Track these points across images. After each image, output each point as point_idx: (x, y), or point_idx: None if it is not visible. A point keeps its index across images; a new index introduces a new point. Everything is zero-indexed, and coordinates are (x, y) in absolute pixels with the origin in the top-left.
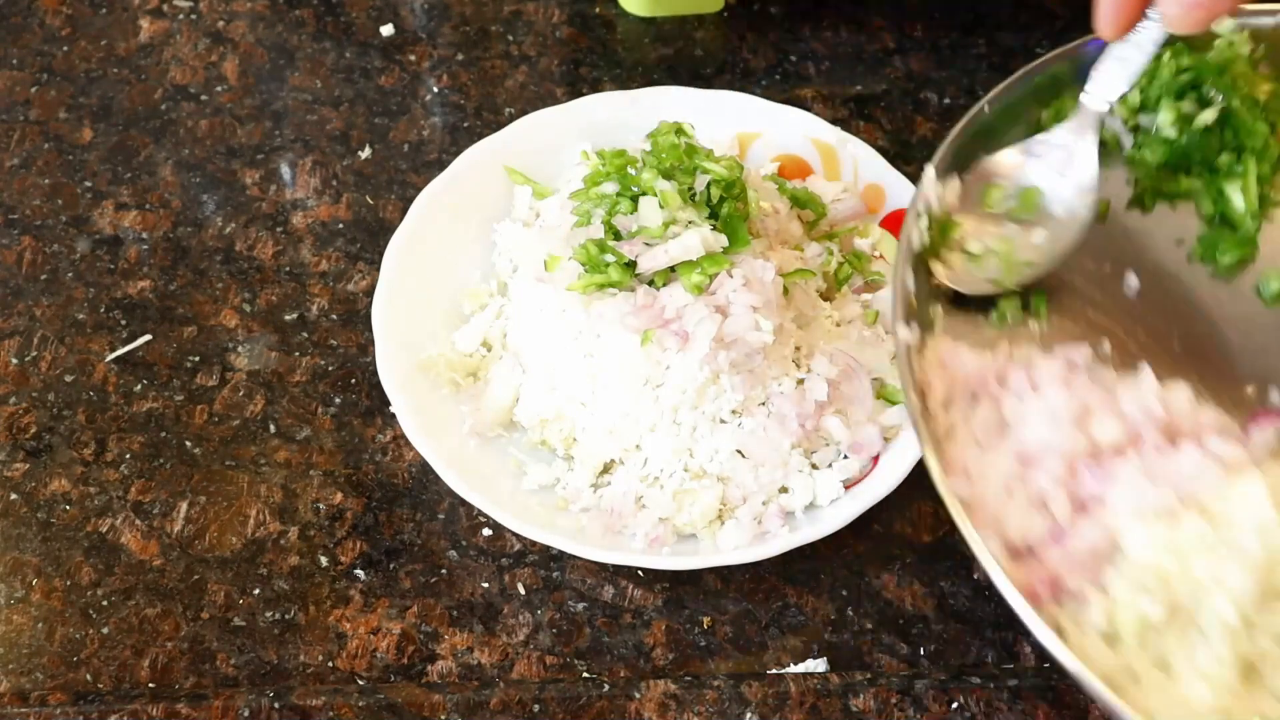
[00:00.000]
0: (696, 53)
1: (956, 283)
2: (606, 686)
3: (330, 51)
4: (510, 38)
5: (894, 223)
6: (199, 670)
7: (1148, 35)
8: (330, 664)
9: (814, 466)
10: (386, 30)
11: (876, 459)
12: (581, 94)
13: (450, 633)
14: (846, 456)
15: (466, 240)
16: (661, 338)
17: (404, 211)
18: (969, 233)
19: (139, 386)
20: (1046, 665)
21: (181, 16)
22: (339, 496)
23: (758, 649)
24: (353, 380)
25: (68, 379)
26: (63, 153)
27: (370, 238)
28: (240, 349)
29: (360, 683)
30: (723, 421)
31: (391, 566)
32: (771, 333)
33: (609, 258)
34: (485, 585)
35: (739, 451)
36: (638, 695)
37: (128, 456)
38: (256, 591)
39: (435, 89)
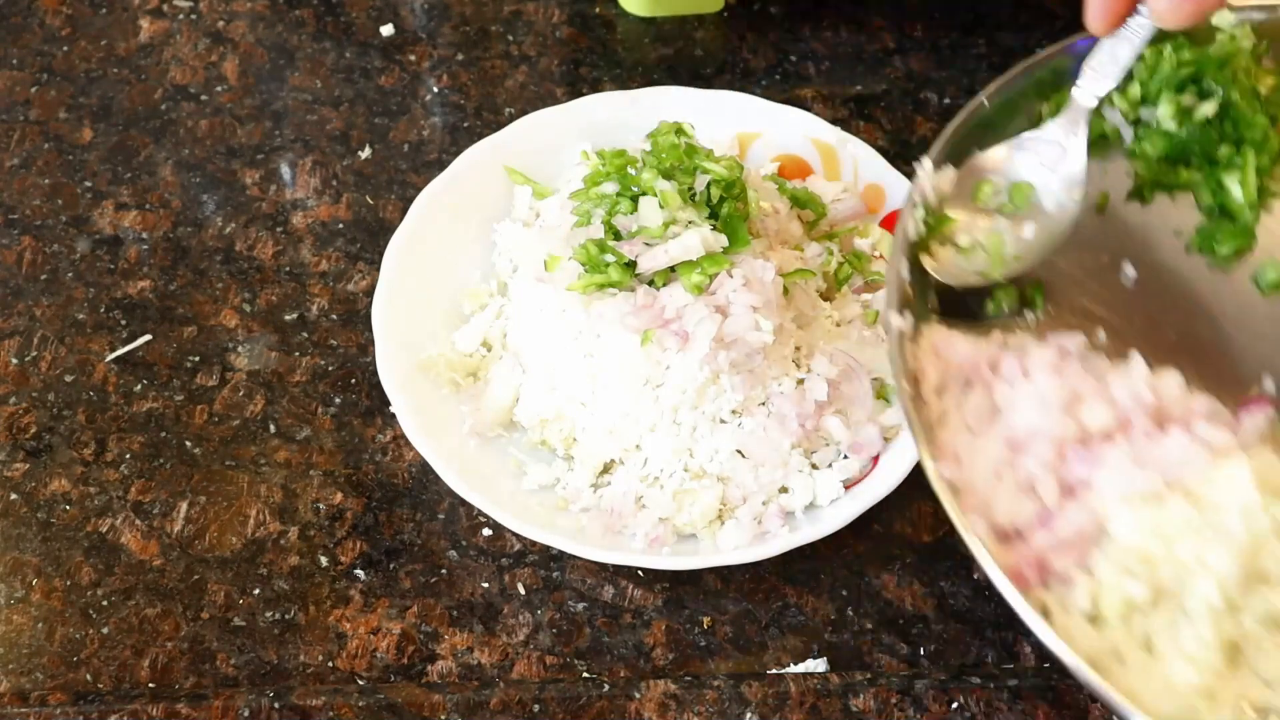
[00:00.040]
0: (696, 53)
1: (943, 275)
2: (606, 686)
3: (330, 51)
4: (510, 38)
5: (894, 223)
6: (199, 670)
7: (1138, 30)
8: (330, 664)
9: (814, 466)
10: (386, 30)
11: (876, 459)
12: (581, 94)
13: (450, 633)
14: (846, 456)
15: (466, 240)
16: (661, 338)
17: (404, 211)
18: (959, 226)
19: (139, 386)
20: (1046, 665)
21: (181, 16)
22: (339, 496)
23: (758, 649)
24: (353, 380)
25: (68, 379)
26: (63, 153)
27: (370, 238)
28: (240, 349)
29: (360, 683)
30: (723, 421)
31: (391, 566)
32: (771, 333)
33: (609, 258)
34: (485, 585)
35: (739, 451)
36: (638, 695)
37: (128, 456)
38: (256, 591)
39: (435, 89)
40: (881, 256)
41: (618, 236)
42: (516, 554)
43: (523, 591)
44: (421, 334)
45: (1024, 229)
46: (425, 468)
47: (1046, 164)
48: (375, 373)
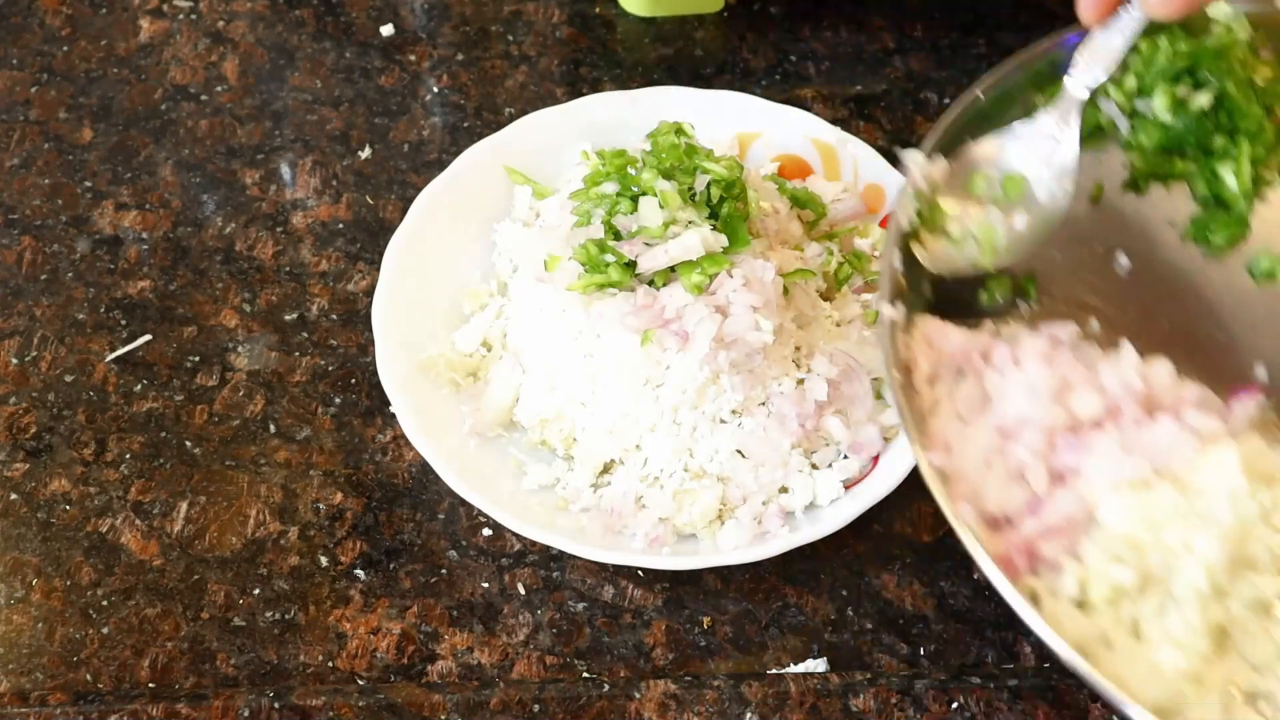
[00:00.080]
0: (696, 53)
1: (935, 265)
2: (606, 686)
3: (330, 51)
4: (510, 38)
5: None
6: (199, 670)
7: (1130, 21)
8: (330, 664)
9: (814, 466)
10: (386, 30)
11: (876, 459)
12: (581, 94)
13: (450, 633)
14: (846, 456)
15: (466, 240)
16: (661, 338)
17: (404, 211)
18: (951, 217)
19: (139, 386)
20: (1046, 665)
21: (181, 16)
22: (339, 496)
23: (758, 649)
24: (353, 380)
25: (68, 379)
26: (63, 153)
27: (370, 238)
28: (240, 349)
29: (360, 683)
30: (723, 421)
31: (391, 566)
32: (771, 333)
33: (609, 258)
34: (485, 585)
35: (739, 451)
36: (638, 695)
37: (128, 456)
38: (256, 591)
39: (435, 89)
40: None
41: (618, 236)
42: (516, 554)
43: (523, 591)
44: (421, 334)
45: (1016, 219)
46: (425, 468)
47: (1039, 155)
48: (375, 373)
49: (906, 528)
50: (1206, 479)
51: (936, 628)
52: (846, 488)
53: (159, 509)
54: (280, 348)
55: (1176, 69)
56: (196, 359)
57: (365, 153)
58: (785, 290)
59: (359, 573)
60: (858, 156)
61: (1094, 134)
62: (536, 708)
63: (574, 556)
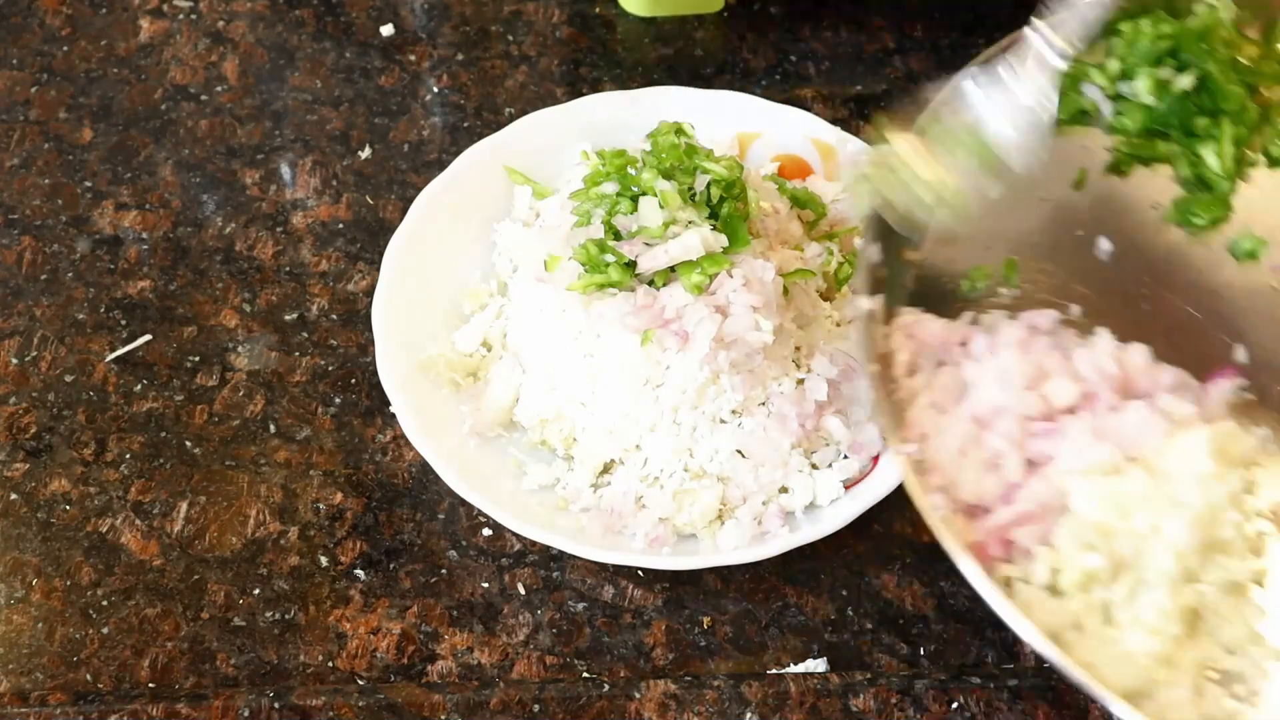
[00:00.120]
0: (696, 53)
1: (888, 214)
2: (606, 686)
3: (330, 51)
4: (510, 38)
5: None
6: (199, 670)
7: None
8: (330, 664)
9: (814, 466)
10: (386, 30)
11: (876, 459)
12: (581, 94)
13: (450, 633)
14: (846, 456)
15: (466, 240)
16: (661, 338)
17: (404, 211)
18: (908, 166)
19: (139, 386)
20: (1046, 665)
21: (181, 16)
22: (339, 496)
23: (758, 649)
24: (353, 380)
25: (68, 379)
26: (63, 153)
27: (370, 238)
28: (240, 349)
29: (360, 683)
30: (723, 421)
31: (391, 566)
32: (771, 333)
33: (609, 258)
34: (485, 585)
35: (739, 451)
36: (638, 695)
37: (128, 456)
38: (256, 591)
39: (435, 89)
40: None
41: (618, 236)
42: (516, 554)
43: (523, 591)
44: (421, 334)
45: (978, 178)
46: (425, 468)
47: (1002, 109)
48: (375, 373)
49: (906, 528)
50: (1175, 463)
51: (936, 628)
52: (846, 488)
53: (159, 509)
54: (280, 348)
55: (1159, 51)
56: (196, 359)
57: (365, 153)
58: (785, 290)
59: (359, 573)
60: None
61: (1077, 118)
62: (536, 708)
63: (574, 556)
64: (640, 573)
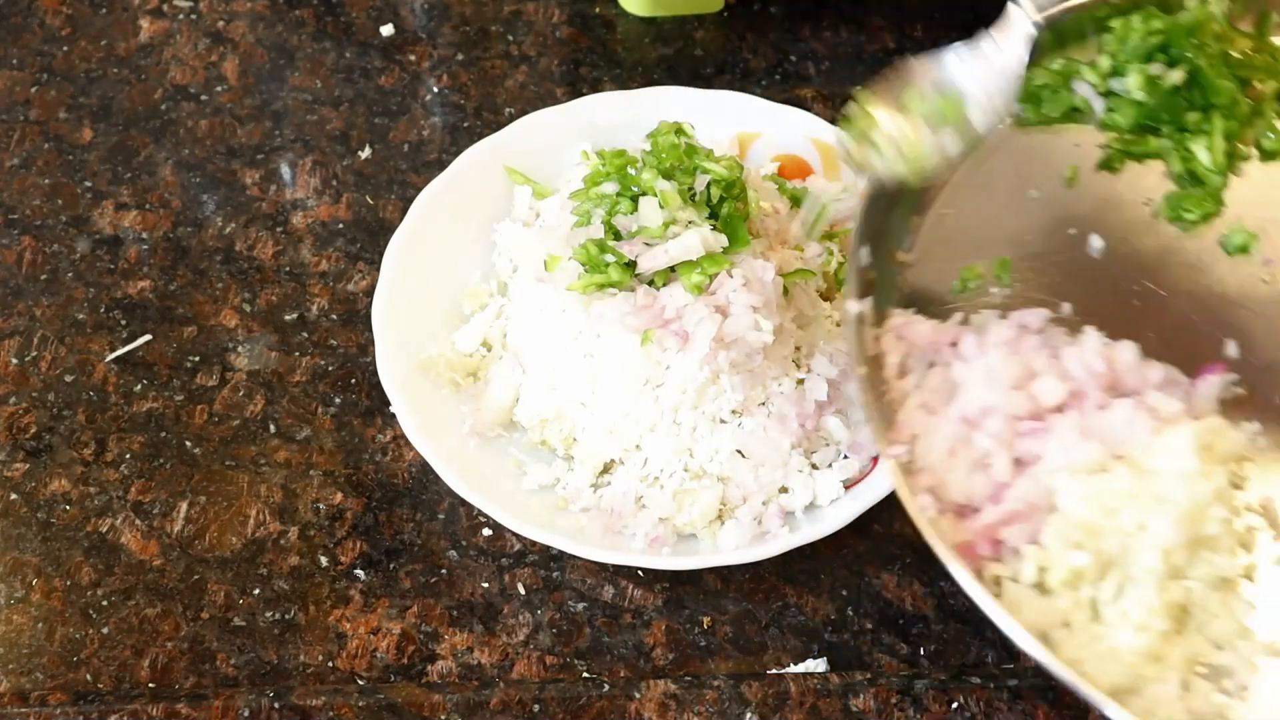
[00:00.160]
0: (696, 53)
1: (860, 170)
2: (606, 686)
3: (330, 51)
4: (510, 38)
5: None
6: (199, 670)
7: None
8: (330, 664)
9: (814, 466)
10: (386, 30)
11: (876, 459)
12: (581, 94)
13: (450, 633)
14: (846, 456)
15: (466, 240)
16: (661, 338)
17: (404, 211)
18: (880, 127)
19: (139, 386)
20: None
21: (181, 16)
22: (339, 496)
23: (758, 649)
24: (353, 380)
25: (68, 379)
26: (63, 153)
27: (370, 238)
28: (240, 349)
29: (360, 683)
30: (723, 421)
31: (391, 566)
32: (771, 333)
33: (609, 258)
34: (485, 585)
35: (739, 451)
36: (638, 695)
37: (128, 456)
38: (256, 591)
39: (435, 89)
40: None
41: (618, 236)
42: (516, 554)
43: (523, 591)
44: (421, 334)
45: (944, 136)
46: (425, 468)
47: (976, 75)
48: (375, 373)
49: (906, 528)
50: (1161, 461)
51: (936, 628)
52: (846, 488)
53: (159, 509)
54: (280, 348)
55: (1150, 47)
56: (196, 359)
57: (365, 153)
58: (785, 290)
59: (359, 573)
60: None
61: (1069, 115)
62: (536, 708)
63: (574, 556)
64: (640, 573)
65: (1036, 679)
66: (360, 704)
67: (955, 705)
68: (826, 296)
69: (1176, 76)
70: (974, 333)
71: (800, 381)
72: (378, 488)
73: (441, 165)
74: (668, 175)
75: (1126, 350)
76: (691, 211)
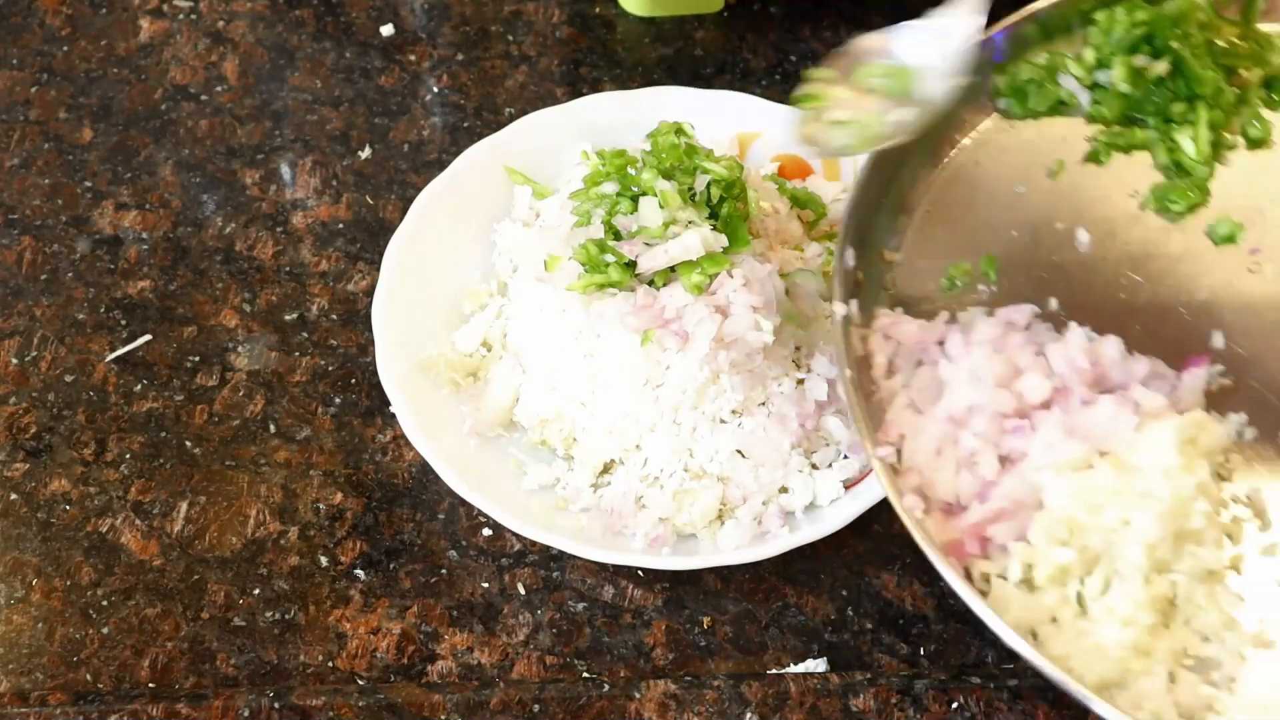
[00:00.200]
0: (696, 53)
1: (812, 146)
2: (606, 686)
3: (330, 51)
4: (510, 38)
5: None
6: (199, 670)
7: None
8: (330, 664)
9: (814, 466)
10: (386, 30)
11: None
12: (581, 94)
13: (450, 633)
14: (847, 456)
15: (466, 240)
16: (661, 338)
17: (404, 211)
18: (834, 103)
19: (139, 386)
20: None
21: (181, 16)
22: (339, 496)
23: (758, 649)
24: (353, 380)
25: (68, 379)
26: (63, 153)
27: (370, 238)
28: (240, 349)
29: (360, 683)
30: (723, 421)
31: (391, 566)
32: (771, 333)
33: (609, 258)
34: (485, 585)
35: (739, 451)
36: (638, 695)
37: (128, 456)
38: (256, 591)
39: (435, 89)
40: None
41: (618, 236)
42: (516, 554)
43: (523, 591)
44: (421, 334)
45: (898, 110)
46: (425, 468)
47: (928, 49)
48: (375, 373)
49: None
50: (1144, 457)
51: (936, 628)
52: (847, 488)
53: (159, 509)
54: (280, 348)
55: (1134, 38)
56: (196, 359)
57: (365, 153)
58: (786, 290)
59: (359, 573)
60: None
61: (1056, 109)
62: (536, 708)
63: (574, 556)
64: (640, 573)
65: (1036, 679)
66: (360, 704)
67: (955, 705)
68: (827, 297)
69: (1161, 67)
70: (960, 331)
71: (800, 381)
72: (378, 488)
73: (441, 165)
74: (668, 175)
75: (1111, 346)
76: (691, 211)
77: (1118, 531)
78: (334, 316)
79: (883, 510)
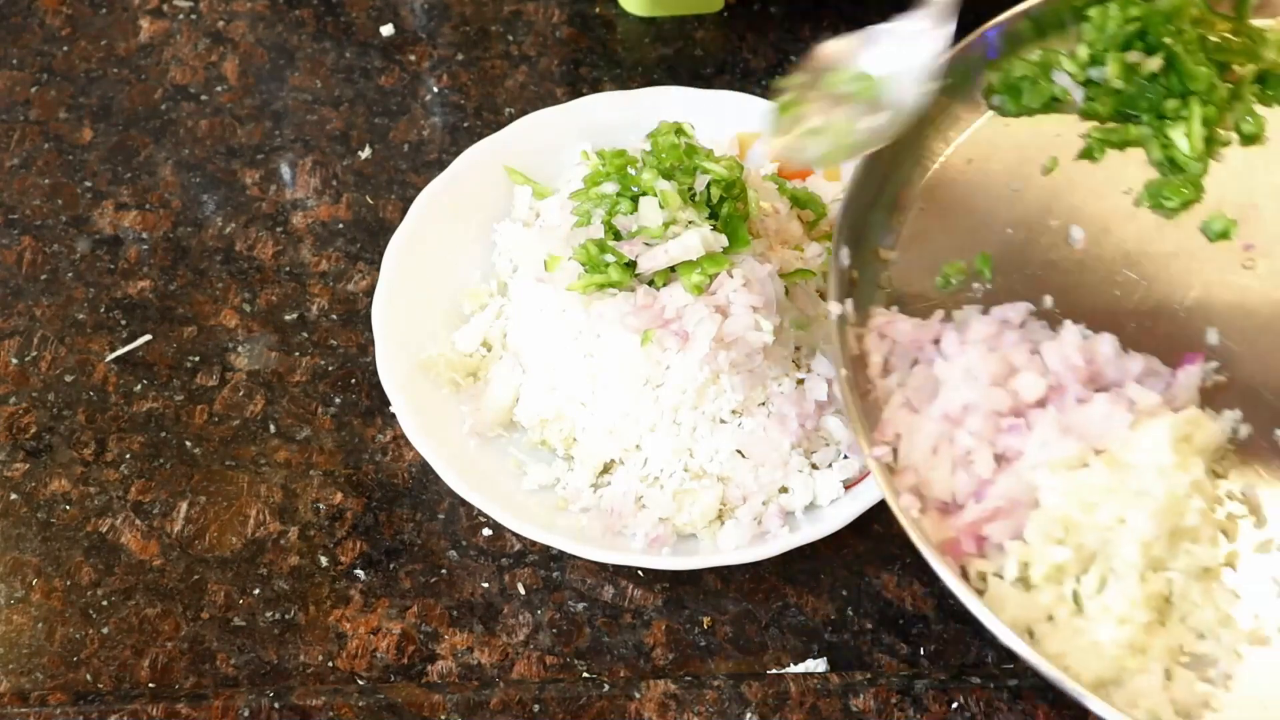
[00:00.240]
0: (696, 53)
1: (788, 158)
2: (606, 686)
3: (330, 51)
4: (510, 38)
5: None
6: (199, 670)
7: None
8: (330, 664)
9: (814, 466)
10: (386, 30)
11: None
12: (581, 94)
13: (450, 633)
14: (847, 456)
15: (466, 240)
16: (661, 338)
17: (404, 211)
18: (801, 113)
19: (139, 386)
20: None
21: (181, 16)
22: (339, 496)
23: (758, 649)
24: (353, 380)
25: (68, 379)
26: (63, 153)
27: (370, 238)
28: (240, 349)
29: (360, 683)
30: (723, 421)
31: (391, 566)
32: (771, 333)
33: (609, 258)
34: (485, 585)
35: (739, 451)
36: (638, 695)
37: (128, 456)
38: (256, 591)
39: (435, 89)
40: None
41: (618, 236)
42: (516, 554)
43: (523, 591)
44: (421, 334)
45: (870, 117)
46: (425, 468)
47: (894, 55)
48: (375, 373)
49: None
50: (1138, 455)
51: (936, 628)
52: (847, 488)
53: (159, 509)
54: (280, 348)
55: (1127, 34)
56: (196, 359)
57: (365, 153)
58: (785, 290)
59: (359, 573)
60: None
61: (1050, 105)
62: (536, 708)
63: (574, 556)
64: (640, 573)
65: (1036, 679)
66: (360, 704)
67: (955, 705)
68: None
69: (1154, 63)
70: (955, 329)
71: (800, 381)
72: (378, 488)
73: (441, 165)
74: (668, 175)
75: (1106, 343)
76: (691, 211)
77: (1113, 529)
78: (334, 316)
79: (883, 510)
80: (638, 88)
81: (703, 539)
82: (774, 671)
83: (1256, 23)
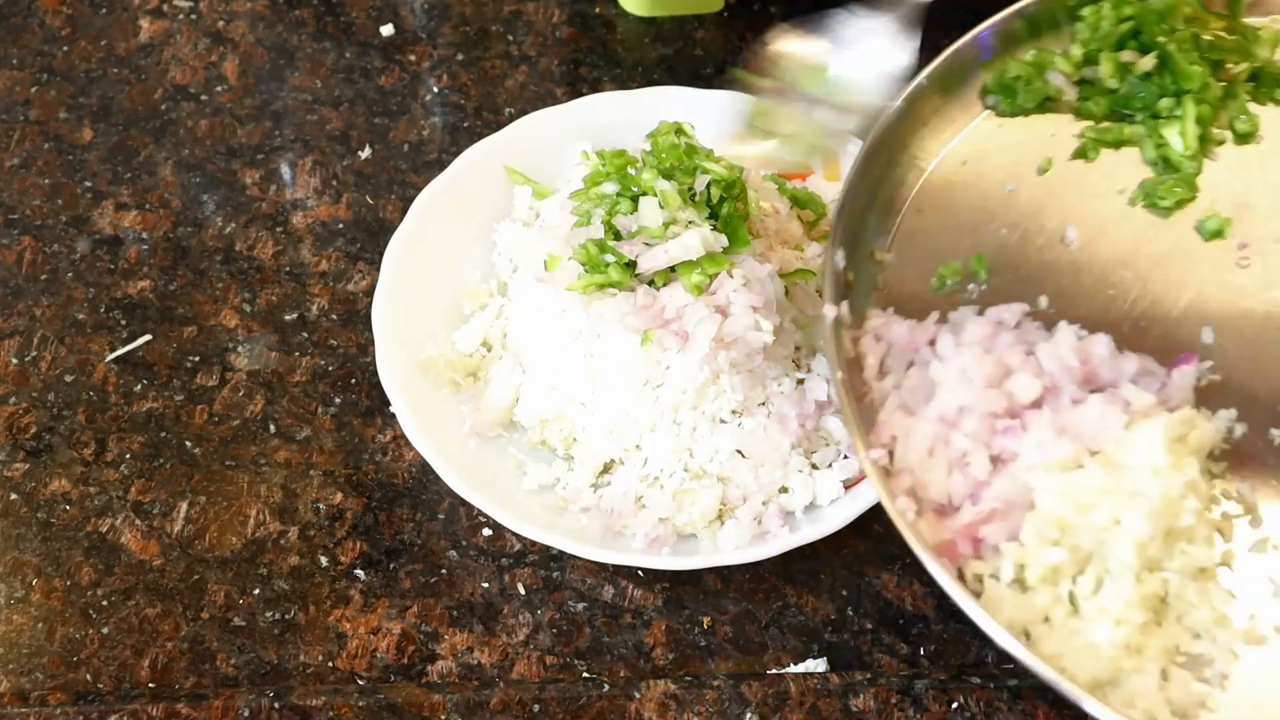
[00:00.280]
0: (696, 53)
1: (748, 161)
2: (606, 686)
3: (330, 51)
4: (510, 38)
5: None
6: (199, 670)
7: None
8: (330, 664)
9: (814, 466)
10: (386, 30)
11: None
12: (581, 94)
13: (450, 633)
14: (846, 456)
15: (466, 240)
16: (661, 338)
17: (404, 211)
18: (765, 113)
19: (139, 386)
20: None
21: (181, 16)
22: (339, 496)
23: (758, 649)
24: (353, 380)
25: (68, 379)
26: (63, 153)
27: (370, 238)
28: (240, 349)
29: (360, 683)
30: (723, 421)
31: (391, 566)
32: (771, 333)
33: (609, 258)
34: (485, 585)
35: (739, 451)
36: (638, 695)
37: (128, 456)
38: (256, 591)
39: (435, 89)
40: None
41: (618, 236)
42: (516, 554)
43: (523, 591)
44: (421, 334)
45: (838, 119)
46: (425, 468)
47: (861, 56)
48: (375, 373)
49: None
50: (1132, 456)
51: (936, 628)
52: (847, 487)
53: (159, 509)
54: (280, 348)
55: (1121, 34)
56: (196, 359)
57: (365, 153)
58: (785, 290)
59: (359, 573)
60: None
61: (1044, 105)
62: (536, 708)
63: (574, 556)
64: (640, 573)
65: (1036, 679)
66: (360, 704)
67: (955, 705)
68: None
69: (1147, 63)
70: (951, 331)
71: (800, 381)
72: (378, 488)
73: (441, 165)
74: (668, 175)
75: (1101, 344)
76: (691, 211)
77: (1108, 530)
78: (334, 316)
79: (883, 510)
80: (638, 88)
81: (703, 539)
82: (774, 671)
83: (1250, 21)
